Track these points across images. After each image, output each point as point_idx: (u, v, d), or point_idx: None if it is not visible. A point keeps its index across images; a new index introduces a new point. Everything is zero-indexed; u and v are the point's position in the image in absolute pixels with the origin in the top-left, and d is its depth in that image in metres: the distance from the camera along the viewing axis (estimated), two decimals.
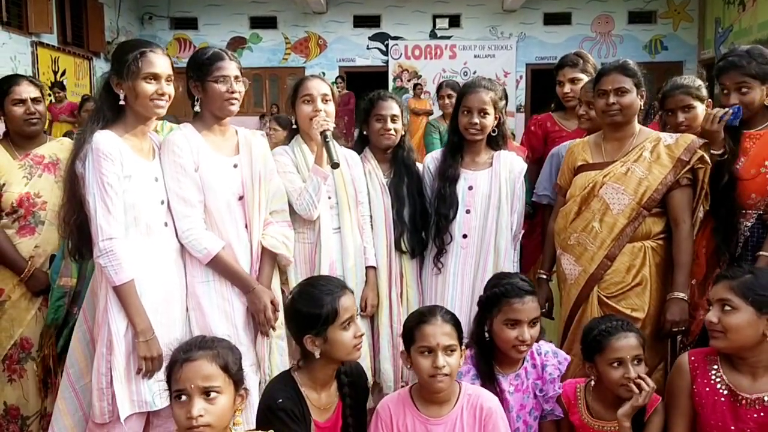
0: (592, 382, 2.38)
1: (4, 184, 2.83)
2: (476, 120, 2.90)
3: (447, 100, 5.47)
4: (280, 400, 2.05)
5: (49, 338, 2.80)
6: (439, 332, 2.12)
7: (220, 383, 1.77)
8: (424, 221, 3.03)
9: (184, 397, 1.74)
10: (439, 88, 5.85)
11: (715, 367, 2.20)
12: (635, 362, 2.24)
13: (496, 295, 2.36)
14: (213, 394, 1.76)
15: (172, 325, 2.42)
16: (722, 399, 2.16)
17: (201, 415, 1.72)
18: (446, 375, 2.11)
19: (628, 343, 2.25)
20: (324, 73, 12.09)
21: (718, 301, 2.14)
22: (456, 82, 5.69)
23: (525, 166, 3.04)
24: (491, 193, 2.94)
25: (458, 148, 3.02)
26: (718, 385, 2.17)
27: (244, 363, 2.19)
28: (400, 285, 3.04)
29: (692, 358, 2.26)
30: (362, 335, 2.16)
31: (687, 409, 2.23)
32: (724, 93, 2.71)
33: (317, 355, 2.08)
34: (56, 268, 2.79)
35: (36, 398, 2.87)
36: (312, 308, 2.09)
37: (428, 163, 3.11)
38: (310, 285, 2.22)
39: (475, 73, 12.41)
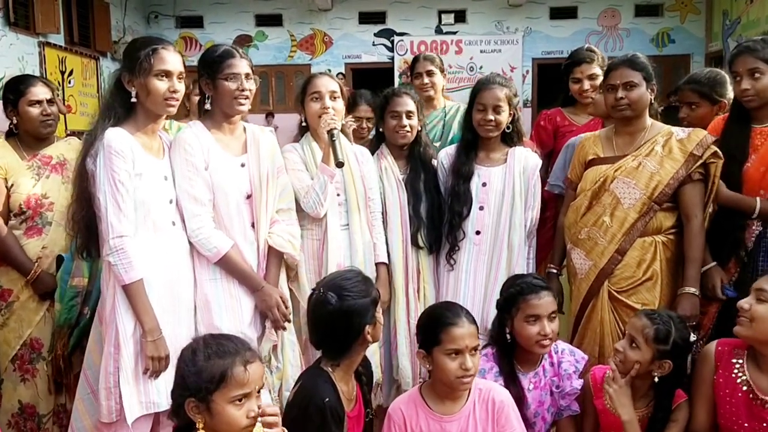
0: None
1: (12, 185, 2.84)
2: (490, 116, 2.89)
3: (427, 79, 3.70)
4: (327, 399, 2.02)
5: (62, 338, 2.81)
6: (467, 334, 2.14)
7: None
8: (441, 216, 3.02)
9: (244, 399, 1.73)
10: (415, 61, 3.86)
11: (740, 361, 2.19)
12: (630, 343, 2.28)
13: (513, 294, 2.40)
14: (261, 391, 1.80)
15: (178, 325, 2.42)
16: (739, 394, 2.15)
17: (257, 414, 1.75)
18: (472, 375, 2.14)
19: (636, 321, 2.29)
20: (330, 70, 12.07)
21: (756, 290, 2.14)
22: (435, 56, 3.83)
23: (539, 162, 3.03)
24: (505, 190, 2.93)
25: (472, 144, 3.00)
26: (738, 380, 2.17)
27: None
28: (417, 281, 3.03)
29: (719, 348, 2.26)
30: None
31: (710, 397, 2.23)
32: (737, 80, 2.67)
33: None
34: (67, 269, 2.79)
35: (48, 397, 2.88)
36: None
37: (442, 158, 3.09)
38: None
39: (481, 68, 12.36)
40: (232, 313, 2.50)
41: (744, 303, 2.14)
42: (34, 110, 2.90)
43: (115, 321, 2.30)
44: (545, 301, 2.36)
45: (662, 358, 2.23)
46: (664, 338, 2.22)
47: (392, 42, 13.06)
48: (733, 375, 2.18)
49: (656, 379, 2.26)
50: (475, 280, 2.93)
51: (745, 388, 2.15)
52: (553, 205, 3.40)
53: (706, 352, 2.29)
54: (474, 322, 2.19)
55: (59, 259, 2.82)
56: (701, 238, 2.63)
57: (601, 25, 12.68)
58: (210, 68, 2.52)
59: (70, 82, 9.94)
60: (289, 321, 2.60)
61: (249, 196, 2.56)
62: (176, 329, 2.38)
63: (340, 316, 2.08)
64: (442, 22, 13.01)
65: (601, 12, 12.63)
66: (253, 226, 2.57)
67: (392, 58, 13.14)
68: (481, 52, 12.95)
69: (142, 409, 2.31)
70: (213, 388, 1.70)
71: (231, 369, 1.71)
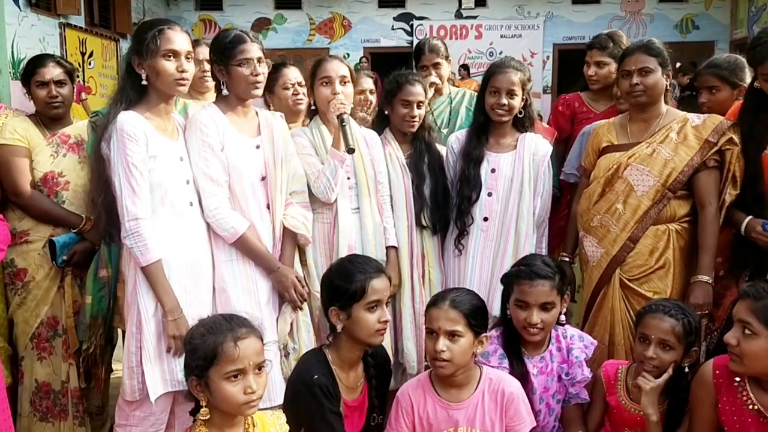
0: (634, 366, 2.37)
1: (32, 160, 2.86)
2: (504, 101, 2.85)
3: (434, 72, 3.58)
4: (316, 376, 2.08)
5: (97, 329, 2.81)
6: (442, 317, 2.13)
7: (264, 356, 1.84)
8: (445, 198, 3.00)
9: (239, 375, 1.76)
10: (420, 51, 3.67)
11: (743, 383, 2.08)
12: (662, 346, 2.23)
13: (511, 275, 2.40)
14: (262, 368, 1.81)
15: (200, 305, 2.44)
16: (749, 419, 2.05)
17: (255, 390, 1.77)
18: (446, 360, 2.11)
19: (660, 323, 2.24)
20: (348, 54, 12.04)
21: (739, 321, 2.01)
22: (440, 44, 3.66)
23: (550, 148, 2.98)
24: (514, 177, 2.89)
25: (483, 128, 2.96)
26: (745, 404, 2.06)
27: (268, 339, 2.28)
28: (422, 266, 3.02)
29: (717, 371, 2.13)
30: (387, 321, 2.19)
31: (710, 419, 2.14)
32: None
33: (339, 328, 2.16)
34: (95, 260, 2.77)
35: (64, 375, 2.91)
36: (342, 281, 2.18)
37: (452, 142, 3.06)
38: (348, 260, 2.32)
39: (501, 53, 12.24)
40: (249, 295, 2.51)
41: (731, 338, 2.01)
42: (41, 91, 2.91)
43: (136, 301, 2.34)
44: (536, 290, 2.30)
45: (690, 347, 2.24)
46: (691, 329, 2.23)
47: (411, 26, 12.99)
48: (739, 399, 2.07)
49: (686, 370, 2.26)
50: (482, 267, 2.91)
51: (754, 411, 2.04)
52: (568, 191, 3.37)
53: (703, 375, 2.18)
54: (466, 307, 2.15)
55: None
56: (715, 227, 2.59)
57: (624, 11, 12.50)
58: (222, 55, 2.52)
59: (90, 64, 10.03)
60: (305, 301, 2.62)
61: (264, 178, 2.57)
62: (198, 309, 2.40)
63: (323, 285, 2.29)
64: (462, 7, 12.89)
65: None
66: (268, 207, 2.58)
67: (411, 43, 13.05)
68: (501, 37, 12.84)
69: (167, 386, 2.35)
70: (207, 365, 1.75)
71: (221, 345, 1.75)
